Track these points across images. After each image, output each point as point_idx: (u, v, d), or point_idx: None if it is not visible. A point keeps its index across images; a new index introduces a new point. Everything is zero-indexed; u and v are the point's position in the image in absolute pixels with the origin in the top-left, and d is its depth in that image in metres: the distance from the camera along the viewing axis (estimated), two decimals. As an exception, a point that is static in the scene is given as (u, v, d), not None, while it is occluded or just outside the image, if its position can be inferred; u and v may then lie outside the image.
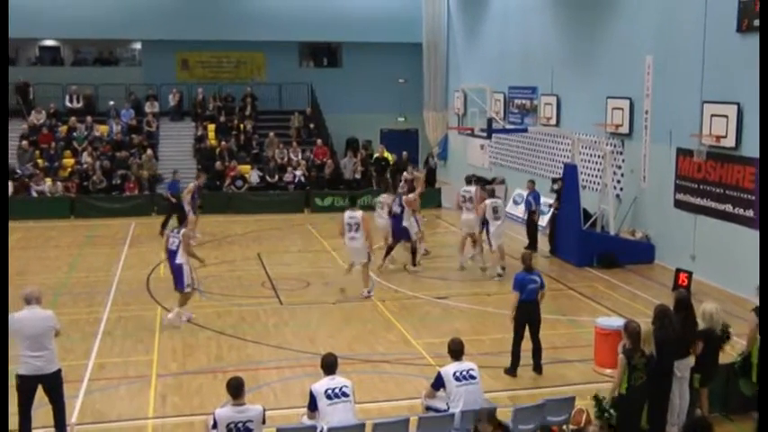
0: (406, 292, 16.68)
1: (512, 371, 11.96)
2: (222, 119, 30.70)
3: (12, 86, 30.55)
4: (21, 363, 9.37)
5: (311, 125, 31.63)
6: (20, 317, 9.43)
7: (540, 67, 25.07)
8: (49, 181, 26.33)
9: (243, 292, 16.80)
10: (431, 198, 27.19)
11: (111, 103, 30.68)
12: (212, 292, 16.75)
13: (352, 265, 16.57)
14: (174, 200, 22.34)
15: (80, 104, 30.96)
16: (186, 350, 13.12)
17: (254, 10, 31.93)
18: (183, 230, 14.36)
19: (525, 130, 24.00)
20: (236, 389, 8.09)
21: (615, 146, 20.76)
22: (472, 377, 9.22)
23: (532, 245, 20.71)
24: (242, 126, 30.44)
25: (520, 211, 25.25)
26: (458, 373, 9.19)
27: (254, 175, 27.62)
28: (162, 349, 13.15)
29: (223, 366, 12.26)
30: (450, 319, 14.92)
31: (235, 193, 27.00)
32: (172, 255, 14.33)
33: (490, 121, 20.63)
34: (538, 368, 12.09)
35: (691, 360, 9.87)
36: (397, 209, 18.28)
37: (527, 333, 12.04)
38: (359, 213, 16.15)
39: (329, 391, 8.57)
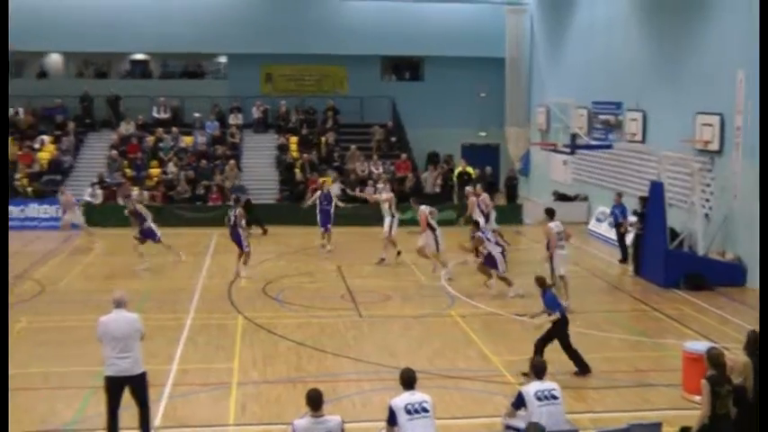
0: (487, 309, 16.50)
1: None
2: (304, 131, 31.03)
3: (103, 98, 31.76)
4: (107, 364, 9.64)
5: (392, 139, 31.71)
6: (107, 319, 9.74)
7: (626, 82, 24.61)
8: (136, 190, 27.00)
9: (322, 303, 16.86)
10: (511, 214, 26.93)
11: (198, 114, 31.37)
12: (292, 303, 16.87)
13: (560, 276, 16.52)
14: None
15: (167, 116, 31.75)
16: (266, 359, 13.23)
17: (337, 24, 32.24)
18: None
19: (610, 147, 23.54)
20: (315, 401, 8.07)
21: (704, 163, 20.16)
22: (554, 397, 9.01)
23: (624, 258, 20.45)
24: (324, 139, 30.70)
25: (603, 228, 24.78)
26: (539, 393, 9.00)
27: (335, 188, 27.76)
28: (243, 358, 13.30)
29: (302, 377, 12.31)
30: (530, 337, 14.63)
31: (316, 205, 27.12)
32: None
33: (574, 136, 20.33)
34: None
35: None
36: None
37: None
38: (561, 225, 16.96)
39: (409, 407, 8.46)
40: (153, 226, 20.32)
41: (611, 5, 26.03)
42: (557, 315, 12.42)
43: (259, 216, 25.06)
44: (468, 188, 23.41)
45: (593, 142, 25.38)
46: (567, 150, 20.85)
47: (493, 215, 21.70)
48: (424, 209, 19.50)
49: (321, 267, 20.41)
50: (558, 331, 12.50)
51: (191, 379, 12.33)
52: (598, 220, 25.53)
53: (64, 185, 26.80)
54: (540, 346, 12.36)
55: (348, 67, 33.86)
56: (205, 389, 11.92)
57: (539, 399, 8.94)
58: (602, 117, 26.59)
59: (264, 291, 17.87)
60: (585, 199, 27.68)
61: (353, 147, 30.18)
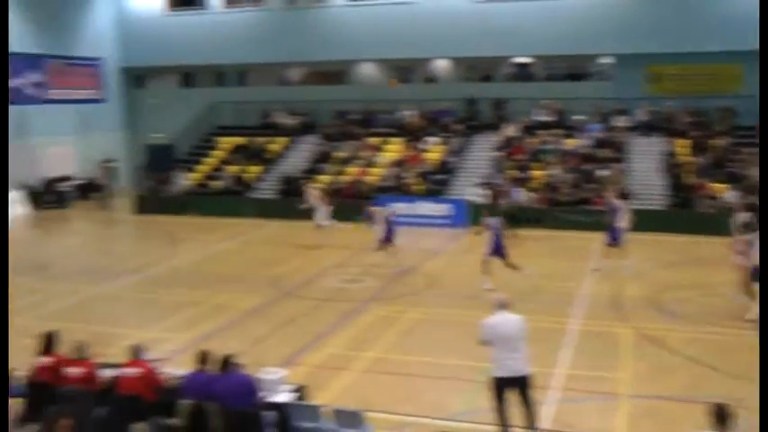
0: None
1: None
2: (694, 134, 29.23)
3: (488, 101, 32.89)
4: (497, 366, 9.77)
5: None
6: (494, 321, 9.92)
7: None
8: (523, 191, 27.36)
9: (716, 319, 15.55)
10: None
11: (581, 117, 31.06)
12: (683, 316, 15.83)
13: None
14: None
15: (551, 118, 31.84)
16: (657, 374, 12.53)
17: (730, 17, 29.84)
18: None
19: None
20: (721, 416, 7.50)
21: None
22: None
23: None
24: (716, 142, 28.66)
25: None
26: None
27: (729, 195, 25.70)
28: (632, 369, 12.75)
29: (698, 397, 11.35)
30: None
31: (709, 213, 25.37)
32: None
33: None
34: None
35: None
36: None
37: None
38: None
39: None
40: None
41: None
42: None
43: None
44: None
45: None
46: None
47: None
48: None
49: (714, 280, 18.92)
50: None
51: (576, 385, 12.06)
52: None
53: (308, 184, 27.33)
54: None
55: (744, 64, 31.21)
56: (592, 397, 11.59)
57: None
58: None
59: (652, 301, 17.01)
60: None
61: (749, 151, 27.74)
